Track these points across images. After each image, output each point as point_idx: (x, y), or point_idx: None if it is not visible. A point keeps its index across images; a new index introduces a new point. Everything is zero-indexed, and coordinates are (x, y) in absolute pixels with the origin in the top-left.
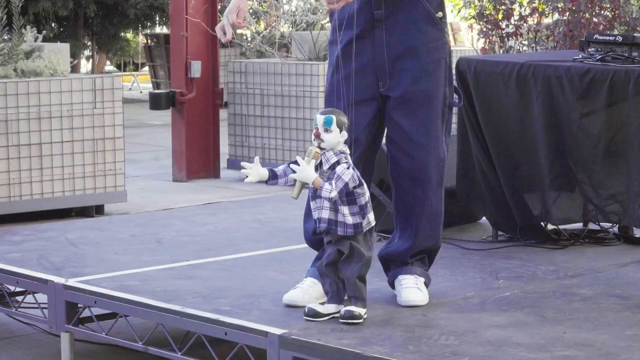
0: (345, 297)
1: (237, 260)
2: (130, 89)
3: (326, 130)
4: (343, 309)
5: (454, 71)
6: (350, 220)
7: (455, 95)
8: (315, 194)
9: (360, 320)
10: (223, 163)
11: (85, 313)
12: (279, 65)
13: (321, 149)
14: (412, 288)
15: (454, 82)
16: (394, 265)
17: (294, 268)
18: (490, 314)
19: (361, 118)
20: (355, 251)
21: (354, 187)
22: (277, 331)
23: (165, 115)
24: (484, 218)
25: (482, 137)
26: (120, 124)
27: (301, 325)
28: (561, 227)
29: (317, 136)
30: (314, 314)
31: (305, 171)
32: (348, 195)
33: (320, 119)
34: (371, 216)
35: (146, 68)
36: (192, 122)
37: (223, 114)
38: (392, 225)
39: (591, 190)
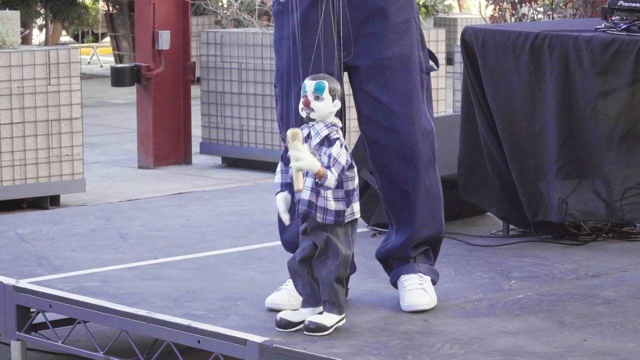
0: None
1: (212, 259)
2: (89, 62)
3: (317, 98)
4: (307, 319)
5: (458, 41)
6: (332, 205)
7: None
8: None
9: (327, 332)
10: (195, 147)
11: (39, 319)
12: (259, 35)
13: (310, 120)
14: (416, 290)
15: (426, 47)
16: (395, 263)
17: (276, 267)
18: (500, 319)
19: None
20: (331, 246)
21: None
22: (258, 339)
23: (129, 93)
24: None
25: (490, 116)
26: (78, 103)
27: (284, 332)
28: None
29: (307, 105)
30: (285, 324)
31: (309, 159)
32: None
33: (310, 85)
34: (356, 207)
35: (107, 39)
36: (160, 100)
37: (195, 91)
38: (384, 219)
39: (602, 184)
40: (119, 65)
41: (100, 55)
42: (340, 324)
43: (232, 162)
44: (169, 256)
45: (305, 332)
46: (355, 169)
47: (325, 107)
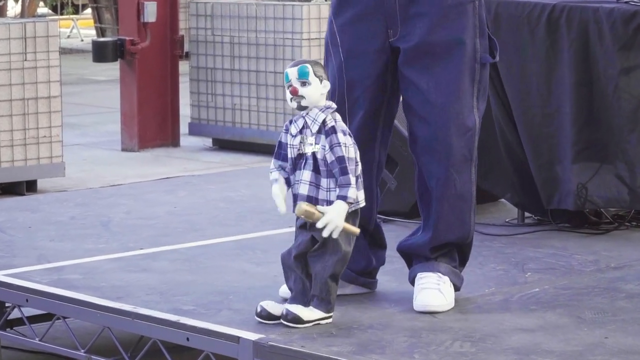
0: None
1: (202, 249)
2: (68, 36)
3: (304, 84)
4: (285, 307)
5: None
6: (334, 196)
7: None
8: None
9: (303, 326)
10: (184, 128)
11: (15, 314)
12: (253, 6)
13: (302, 107)
14: (431, 289)
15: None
16: (415, 259)
17: (271, 258)
18: (515, 314)
19: (364, 74)
20: (331, 241)
21: None
22: (252, 336)
23: (112, 69)
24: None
25: (503, 95)
26: (57, 80)
27: (281, 329)
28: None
29: (295, 93)
30: (266, 316)
31: (334, 216)
32: (351, 162)
33: (292, 72)
34: (360, 194)
35: (88, 10)
36: (146, 77)
37: (184, 67)
38: (392, 206)
39: (625, 167)
40: (101, 39)
41: (81, 29)
42: (323, 322)
43: (223, 144)
44: (155, 246)
45: (282, 321)
46: (358, 154)
47: (314, 91)
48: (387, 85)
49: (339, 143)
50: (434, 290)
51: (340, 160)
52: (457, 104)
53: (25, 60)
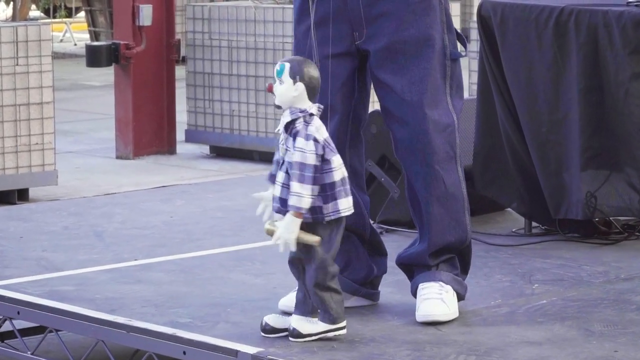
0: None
1: (199, 260)
2: (61, 40)
3: (279, 82)
4: (291, 321)
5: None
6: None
7: (459, 45)
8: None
9: (302, 340)
10: (180, 135)
11: (6, 326)
12: (252, 10)
13: (277, 106)
14: (433, 299)
15: (455, 28)
16: (416, 270)
17: (270, 269)
18: (521, 327)
19: (334, 78)
20: (309, 249)
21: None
22: (250, 350)
23: (106, 74)
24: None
25: (510, 101)
26: (50, 86)
27: (280, 343)
28: (612, 217)
29: (269, 90)
30: (270, 330)
31: (286, 233)
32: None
33: (275, 68)
34: (343, 203)
35: (82, 14)
36: (141, 82)
37: (180, 72)
38: (395, 215)
39: (636, 175)
40: (95, 44)
41: (74, 32)
42: (332, 334)
43: (221, 152)
44: (150, 257)
45: (290, 338)
46: (335, 159)
47: (285, 92)
48: (355, 89)
49: (296, 147)
50: (436, 300)
51: (293, 165)
52: (431, 102)
53: (17, 65)
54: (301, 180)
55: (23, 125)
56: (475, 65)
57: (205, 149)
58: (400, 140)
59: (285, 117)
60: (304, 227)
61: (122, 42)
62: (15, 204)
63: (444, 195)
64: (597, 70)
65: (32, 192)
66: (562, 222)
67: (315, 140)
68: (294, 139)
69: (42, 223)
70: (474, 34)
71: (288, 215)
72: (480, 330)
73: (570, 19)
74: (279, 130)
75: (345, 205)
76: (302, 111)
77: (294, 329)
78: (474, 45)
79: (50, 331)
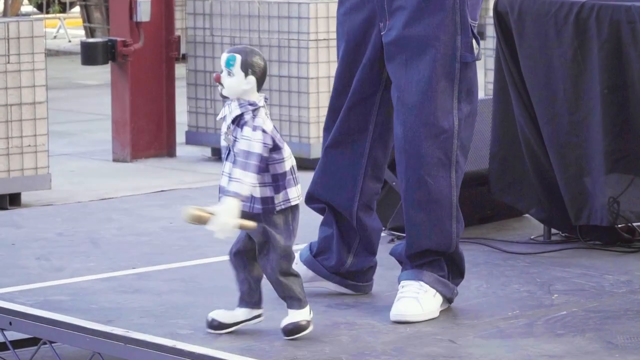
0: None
1: (200, 268)
2: (55, 37)
3: (229, 73)
4: (283, 322)
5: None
6: (258, 192)
7: (476, 46)
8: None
9: (308, 330)
10: (180, 137)
11: None
12: (256, 5)
13: (224, 96)
14: (407, 298)
15: (473, 29)
16: (402, 267)
17: None
18: (540, 339)
19: (358, 64)
20: (269, 238)
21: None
22: None
23: (102, 73)
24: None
25: (528, 101)
26: (43, 85)
27: (287, 354)
28: (636, 224)
29: (217, 80)
30: (217, 326)
31: (218, 221)
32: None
33: (223, 57)
34: (293, 192)
35: (76, 9)
36: (139, 81)
37: (180, 70)
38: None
39: None
40: (91, 40)
41: (69, 28)
42: (310, 317)
43: None
44: (149, 265)
45: (286, 338)
46: (285, 148)
47: (235, 84)
48: (382, 79)
49: (244, 137)
50: (411, 299)
51: (240, 153)
52: (428, 105)
53: (8, 63)
54: (244, 167)
55: (15, 126)
56: (491, 63)
57: (207, 152)
58: (396, 139)
59: (234, 110)
60: (261, 218)
61: (119, 39)
62: (6, 209)
63: (426, 200)
64: (620, 69)
65: (25, 197)
66: (583, 228)
67: (264, 131)
68: (239, 128)
69: (35, 229)
70: (491, 31)
71: (228, 199)
72: (496, 343)
73: (592, 14)
74: (221, 118)
75: (295, 194)
76: (251, 104)
77: (293, 324)
78: (490, 43)
79: (44, 343)
